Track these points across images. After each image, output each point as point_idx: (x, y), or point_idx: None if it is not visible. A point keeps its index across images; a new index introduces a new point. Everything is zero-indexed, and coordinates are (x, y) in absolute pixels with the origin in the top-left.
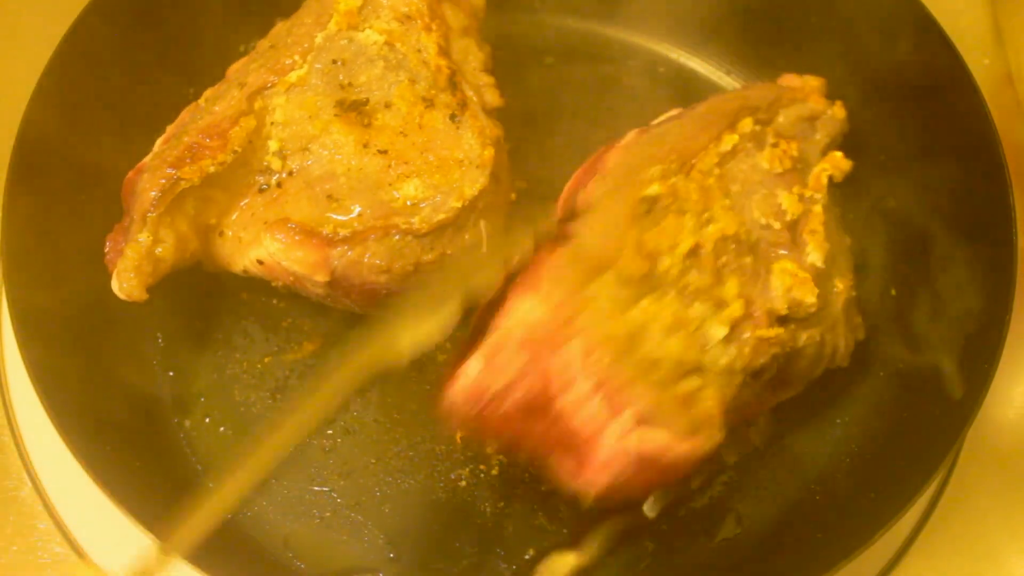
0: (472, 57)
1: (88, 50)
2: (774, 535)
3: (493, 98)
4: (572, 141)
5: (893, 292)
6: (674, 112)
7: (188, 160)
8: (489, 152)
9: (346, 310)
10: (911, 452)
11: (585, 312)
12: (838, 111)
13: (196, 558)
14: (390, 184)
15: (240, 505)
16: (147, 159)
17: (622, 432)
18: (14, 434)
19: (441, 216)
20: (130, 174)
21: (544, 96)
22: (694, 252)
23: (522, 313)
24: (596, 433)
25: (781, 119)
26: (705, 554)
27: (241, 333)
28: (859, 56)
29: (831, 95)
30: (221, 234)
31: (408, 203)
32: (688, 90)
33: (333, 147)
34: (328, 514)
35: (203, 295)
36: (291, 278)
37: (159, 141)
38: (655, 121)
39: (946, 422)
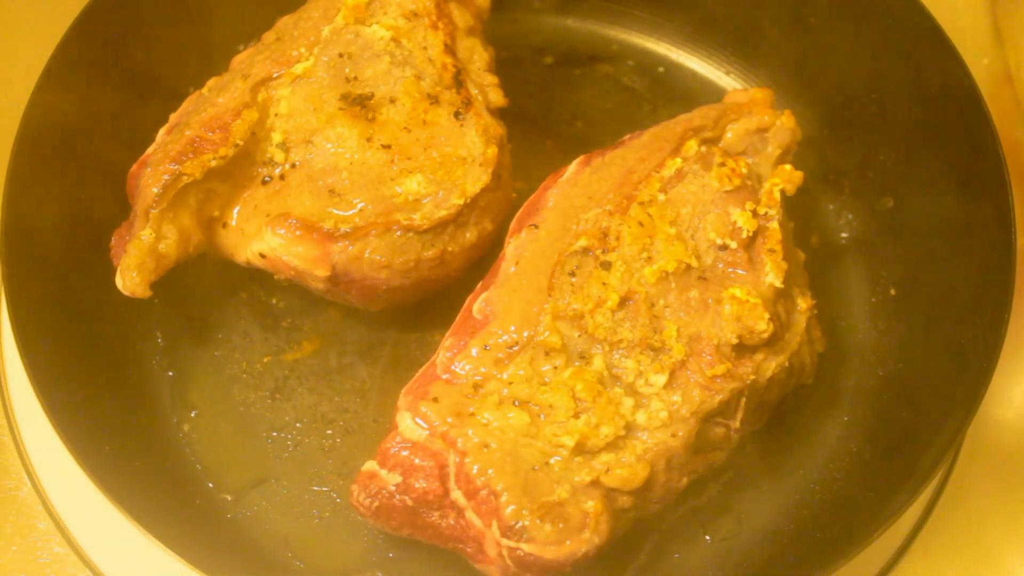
0: (477, 57)
1: (90, 48)
2: (773, 535)
3: (497, 98)
4: (571, 141)
5: (893, 292)
6: (625, 138)
7: (190, 155)
8: (492, 150)
9: (347, 305)
10: (910, 452)
11: (479, 411)
12: (787, 120)
13: (196, 558)
14: (392, 179)
15: (240, 504)
16: (150, 150)
17: (494, 541)
18: (14, 434)
19: (443, 213)
20: (134, 168)
21: (544, 96)
22: (625, 304)
23: (409, 423)
24: (481, 533)
25: (730, 135)
26: (705, 553)
27: (241, 333)
28: (859, 56)
29: (830, 94)
30: (224, 225)
31: (410, 199)
32: (688, 90)
33: (336, 140)
34: (328, 514)
35: (203, 296)
36: (292, 272)
37: (162, 131)
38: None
39: (945, 422)
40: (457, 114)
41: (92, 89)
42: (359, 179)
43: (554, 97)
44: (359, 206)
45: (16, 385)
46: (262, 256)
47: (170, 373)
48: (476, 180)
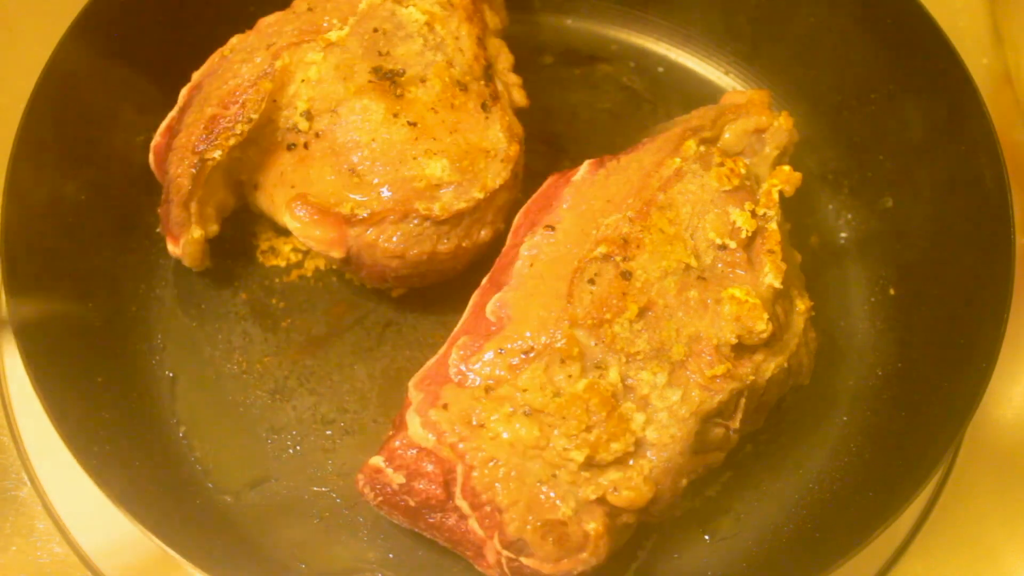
0: (503, 57)
1: (92, 46)
2: (772, 534)
3: (520, 98)
4: (571, 141)
5: (892, 292)
6: (643, 141)
7: (212, 137)
8: (515, 148)
9: (347, 303)
10: (910, 452)
11: (488, 421)
12: (784, 122)
13: (196, 558)
14: (415, 158)
15: (240, 505)
16: (173, 114)
17: (495, 552)
18: (14, 434)
19: (462, 205)
20: (158, 139)
21: (544, 96)
22: (644, 314)
23: (419, 429)
24: (482, 540)
25: (728, 136)
26: (703, 553)
27: (241, 333)
28: (859, 56)
29: (829, 94)
30: (256, 187)
31: (432, 183)
32: (688, 90)
33: (362, 112)
34: (328, 514)
35: (202, 296)
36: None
37: (184, 91)
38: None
39: (945, 422)
40: (484, 105)
41: (93, 87)
42: (381, 157)
43: (554, 97)
44: (379, 190)
45: (16, 385)
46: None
47: (170, 373)
48: (496, 175)
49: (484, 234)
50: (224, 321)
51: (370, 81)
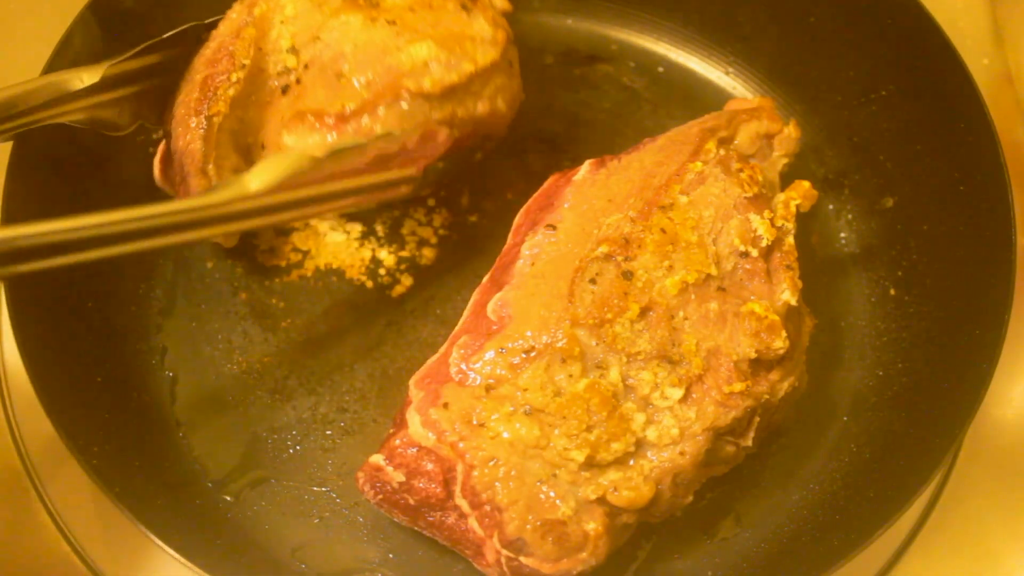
0: None
1: (93, 46)
2: (772, 535)
3: (502, 2)
4: (571, 141)
5: (892, 292)
6: (644, 142)
7: (210, 95)
8: (501, 34)
9: (347, 302)
10: (910, 452)
11: (488, 421)
12: (793, 130)
13: (197, 558)
14: (399, 49)
15: (240, 505)
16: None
17: (494, 551)
18: (14, 434)
19: (453, 77)
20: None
21: (544, 96)
22: (646, 314)
23: (419, 428)
24: (481, 540)
25: (742, 136)
26: (704, 553)
27: (241, 333)
28: (859, 56)
29: (829, 94)
30: (263, 147)
31: (418, 63)
32: (688, 90)
33: (342, 28)
34: (328, 514)
35: (202, 296)
36: None
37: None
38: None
39: (945, 422)
40: (464, 7)
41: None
42: (364, 56)
43: (554, 97)
44: (366, 80)
45: (16, 385)
46: None
47: (170, 373)
48: (486, 53)
49: (481, 107)
50: (224, 321)
51: (344, 1)
